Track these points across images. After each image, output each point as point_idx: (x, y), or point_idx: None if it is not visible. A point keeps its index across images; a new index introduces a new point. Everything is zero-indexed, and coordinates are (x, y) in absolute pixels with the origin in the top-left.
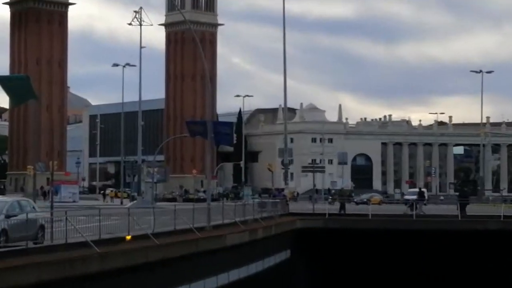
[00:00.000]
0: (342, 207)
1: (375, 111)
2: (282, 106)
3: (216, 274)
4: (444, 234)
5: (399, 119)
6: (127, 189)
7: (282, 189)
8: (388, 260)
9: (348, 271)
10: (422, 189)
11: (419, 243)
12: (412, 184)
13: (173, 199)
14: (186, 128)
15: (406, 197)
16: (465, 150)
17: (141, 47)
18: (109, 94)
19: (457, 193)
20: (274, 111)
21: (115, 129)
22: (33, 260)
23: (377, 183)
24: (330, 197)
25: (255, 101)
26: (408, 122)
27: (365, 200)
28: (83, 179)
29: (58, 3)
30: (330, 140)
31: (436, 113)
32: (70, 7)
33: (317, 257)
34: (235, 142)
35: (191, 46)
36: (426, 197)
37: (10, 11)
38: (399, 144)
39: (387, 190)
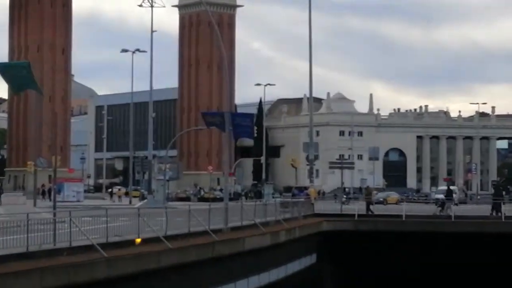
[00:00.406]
0: (368, 207)
1: (410, 101)
2: (307, 95)
3: (234, 281)
4: (478, 237)
5: (436, 110)
6: (136, 187)
7: (305, 187)
8: (424, 266)
9: (380, 277)
10: (452, 187)
11: (457, 247)
12: (451, 182)
13: (187, 199)
14: (201, 120)
15: (436, 195)
16: (509, 144)
17: (152, 31)
18: (117, 83)
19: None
20: (298, 101)
21: (123, 121)
22: (35, 265)
23: (411, 181)
24: (345, 197)
25: (277, 90)
26: (446, 113)
27: (381, 199)
28: (88, 177)
29: None
30: (360, 133)
31: (477, 103)
32: None
33: (345, 262)
34: (255, 135)
35: (207, 29)
36: (457, 195)
37: None
38: (436, 137)
39: (422, 188)
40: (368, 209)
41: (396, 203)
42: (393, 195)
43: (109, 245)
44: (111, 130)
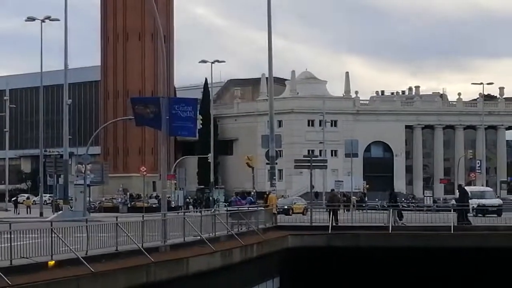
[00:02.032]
0: (335, 217)
1: (396, 81)
2: (266, 75)
3: None
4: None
5: (429, 93)
6: (49, 195)
7: (249, 193)
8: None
9: None
10: (470, 188)
11: (457, 264)
12: (449, 184)
13: (114, 208)
14: (131, 108)
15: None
16: None
17: None
18: (21, 62)
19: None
20: (254, 82)
21: (31, 110)
22: None
23: (400, 183)
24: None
25: (228, 69)
26: (442, 97)
27: (285, 207)
28: None
29: None
30: (334, 123)
31: (481, 84)
32: None
33: (316, 286)
34: (200, 127)
35: None
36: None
37: None
38: (431, 127)
39: (413, 192)
40: (334, 219)
41: (302, 213)
42: (300, 202)
43: (14, 270)
44: (15, 121)
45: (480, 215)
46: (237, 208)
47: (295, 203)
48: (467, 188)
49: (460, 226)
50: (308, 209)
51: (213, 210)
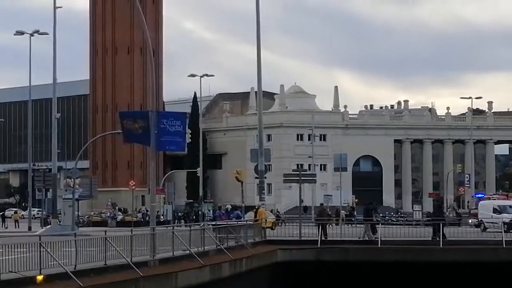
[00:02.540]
0: (324, 232)
1: (385, 96)
2: (255, 89)
3: None
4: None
5: (418, 107)
6: (37, 209)
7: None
8: None
9: None
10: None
11: (446, 279)
12: (438, 198)
13: (103, 223)
14: (119, 122)
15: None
16: (510, 149)
17: (55, 7)
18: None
19: None
20: (243, 96)
21: (19, 124)
22: None
23: (388, 197)
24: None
25: (217, 83)
26: (431, 111)
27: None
28: None
29: None
30: (323, 137)
31: (470, 98)
32: None
33: None
34: (189, 141)
35: (126, 6)
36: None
37: None
38: (419, 141)
39: (402, 206)
40: (324, 233)
41: (272, 227)
42: (270, 217)
43: (1, 284)
44: (4, 135)
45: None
46: (224, 222)
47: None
48: (492, 202)
49: (444, 241)
50: (278, 223)
51: (202, 224)
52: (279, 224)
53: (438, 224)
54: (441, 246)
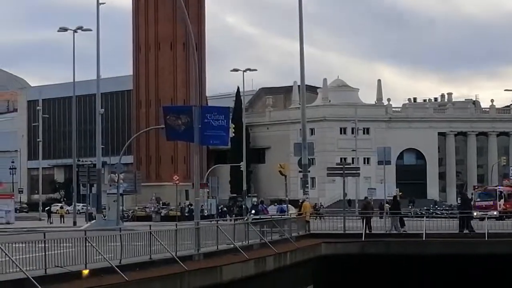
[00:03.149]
0: (368, 225)
1: (428, 88)
2: (298, 83)
3: None
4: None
5: (462, 99)
6: (82, 204)
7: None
8: None
9: None
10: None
11: (492, 272)
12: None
13: (147, 217)
14: (162, 116)
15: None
16: None
17: (98, 3)
18: (54, 71)
19: None
20: (287, 90)
21: (64, 120)
22: None
23: (433, 190)
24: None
25: (260, 77)
26: (475, 104)
27: None
28: (21, 191)
29: None
30: (367, 131)
31: None
32: None
33: None
34: (232, 135)
35: (169, 1)
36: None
37: None
38: (464, 134)
39: (447, 199)
40: (368, 227)
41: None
42: (291, 211)
43: (48, 279)
44: (48, 131)
45: None
46: (268, 216)
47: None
48: None
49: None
50: (316, 217)
51: (246, 218)
52: (316, 218)
53: (465, 217)
54: (486, 238)
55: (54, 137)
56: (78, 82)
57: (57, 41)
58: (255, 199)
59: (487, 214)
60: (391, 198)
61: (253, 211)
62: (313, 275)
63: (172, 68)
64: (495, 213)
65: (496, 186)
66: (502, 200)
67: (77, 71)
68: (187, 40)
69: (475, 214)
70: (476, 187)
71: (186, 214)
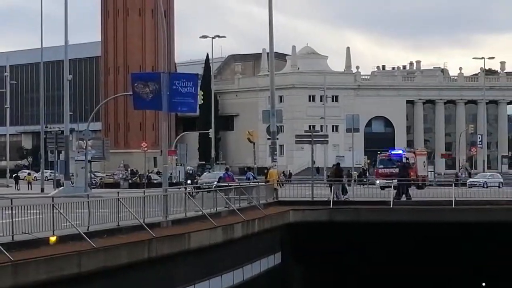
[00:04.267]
0: (338, 192)
1: (397, 56)
2: (267, 50)
3: None
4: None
5: (431, 67)
6: (50, 171)
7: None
8: (417, 263)
9: (362, 279)
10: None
11: (458, 240)
12: (450, 159)
13: (115, 184)
14: (131, 83)
15: None
16: None
17: None
18: (21, 37)
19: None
20: (255, 58)
21: (31, 86)
22: None
23: None
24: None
25: (229, 44)
26: (443, 71)
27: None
28: None
29: None
30: (335, 98)
31: (482, 58)
32: None
33: (318, 262)
34: (200, 102)
35: None
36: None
37: None
38: (432, 102)
39: None
40: (337, 194)
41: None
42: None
43: (15, 245)
44: (16, 97)
45: None
46: (236, 184)
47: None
48: None
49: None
50: (282, 184)
51: (213, 185)
52: (281, 185)
53: (402, 186)
54: (453, 206)
55: (22, 104)
56: (46, 48)
57: (24, 7)
58: (189, 167)
59: (391, 182)
60: (360, 165)
61: (188, 181)
62: (281, 242)
63: (140, 34)
64: None
65: (399, 152)
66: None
67: (45, 37)
68: (155, 7)
69: (377, 182)
70: (379, 152)
71: (144, 182)
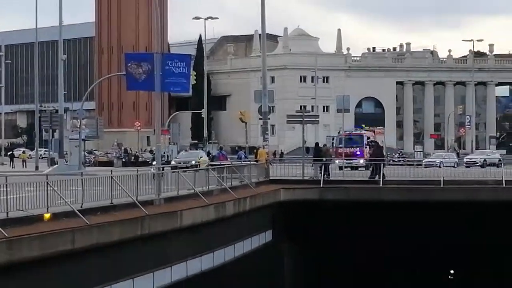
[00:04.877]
0: (326, 170)
1: (387, 38)
2: (259, 32)
3: (169, 265)
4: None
5: (420, 49)
6: (44, 149)
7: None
8: (407, 244)
9: (353, 257)
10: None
11: (447, 219)
12: (439, 139)
13: (109, 163)
14: (124, 63)
15: None
16: (511, 91)
17: None
18: (16, 17)
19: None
20: (248, 39)
21: (26, 65)
22: None
23: (390, 138)
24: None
25: (221, 25)
26: (433, 53)
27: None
28: None
29: None
30: (326, 79)
31: (471, 41)
32: None
33: (308, 240)
34: (193, 83)
35: None
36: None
37: None
38: (421, 83)
39: (404, 147)
40: (325, 173)
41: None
42: (205, 157)
43: (10, 222)
44: (11, 77)
45: None
46: (228, 162)
47: (201, 157)
48: None
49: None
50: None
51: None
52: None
53: (376, 165)
54: (441, 185)
55: (17, 83)
56: (40, 29)
57: None
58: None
59: (351, 163)
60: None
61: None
62: (272, 220)
63: (134, 15)
64: (361, 161)
65: (360, 131)
66: (368, 147)
67: (40, 17)
68: None
69: (337, 162)
70: (339, 131)
71: (133, 160)
